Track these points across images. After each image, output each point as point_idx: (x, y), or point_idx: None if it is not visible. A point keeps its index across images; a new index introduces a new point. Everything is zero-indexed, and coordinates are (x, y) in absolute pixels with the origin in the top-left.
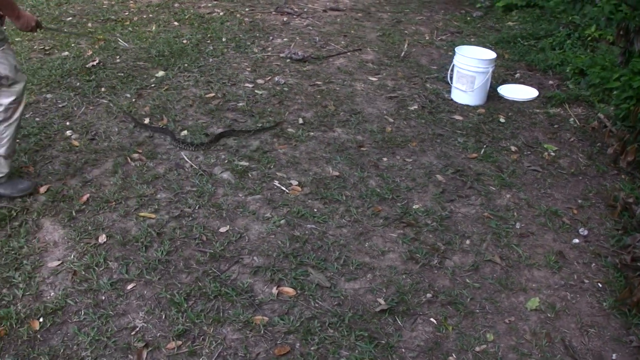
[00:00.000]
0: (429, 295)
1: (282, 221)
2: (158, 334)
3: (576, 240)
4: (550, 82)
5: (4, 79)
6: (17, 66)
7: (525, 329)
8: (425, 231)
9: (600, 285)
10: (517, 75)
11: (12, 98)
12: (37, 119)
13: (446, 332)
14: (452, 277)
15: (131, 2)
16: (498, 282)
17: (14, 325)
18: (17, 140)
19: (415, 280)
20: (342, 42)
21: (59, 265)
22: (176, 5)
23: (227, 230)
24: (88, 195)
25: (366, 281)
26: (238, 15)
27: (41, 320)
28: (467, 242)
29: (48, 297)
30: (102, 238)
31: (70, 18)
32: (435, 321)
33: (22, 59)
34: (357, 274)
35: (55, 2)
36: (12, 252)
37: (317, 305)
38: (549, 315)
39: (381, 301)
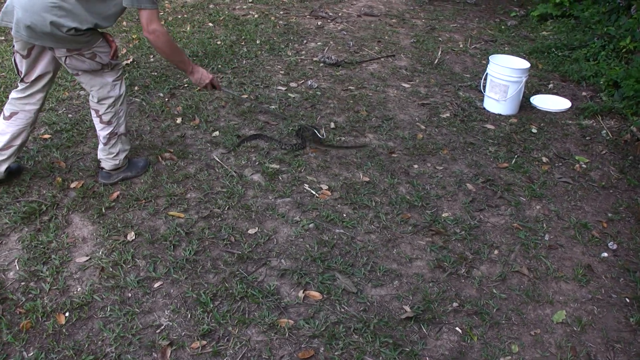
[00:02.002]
0: (455, 304)
1: (311, 225)
2: (183, 333)
3: (605, 254)
4: (584, 93)
5: (106, 66)
6: None
7: (550, 342)
8: (453, 240)
9: (627, 300)
10: (551, 85)
11: (116, 75)
12: (69, 115)
13: (471, 342)
14: (479, 286)
15: (166, 2)
16: (525, 293)
17: (40, 319)
18: (50, 136)
19: (442, 289)
20: (376, 47)
21: (86, 260)
22: (211, 6)
23: (255, 232)
24: (118, 192)
25: (393, 288)
26: (272, 18)
27: (67, 314)
28: (495, 252)
29: (75, 292)
30: (131, 235)
31: None
32: (460, 330)
33: None
34: (384, 281)
35: None
36: (41, 246)
37: (342, 310)
38: (575, 328)
39: (407, 308)
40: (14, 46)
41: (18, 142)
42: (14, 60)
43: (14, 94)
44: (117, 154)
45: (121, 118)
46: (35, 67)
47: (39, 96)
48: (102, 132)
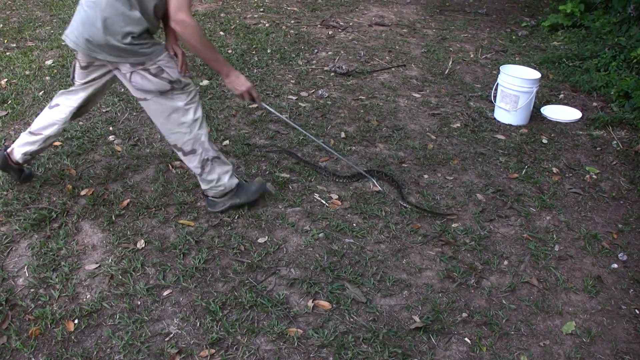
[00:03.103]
0: (464, 314)
1: (321, 234)
2: (192, 342)
3: (615, 265)
4: (594, 104)
5: (175, 82)
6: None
7: (560, 353)
8: (463, 250)
9: (637, 312)
10: (561, 96)
11: (188, 99)
12: (80, 123)
13: (480, 353)
14: (489, 297)
15: None
16: (534, 304)
17: (49, 326)
18: (60, 143)
19: (451, 299)
20: (387, 57)
21: (96, 268)
22: (222, 15)
23: (265, 241)
24: (128, 200)
25: (402, 298)
26: (283, 27)
27: (76, 321)
28: (505, 262)
29: (84, 300)
30: (141, 243)
31: None
32: (469, 341)
33: (67, 63)
34: (394, 291)
35: None
36: (51, 253)
37: (352, 320)
38: (584, 340)
39: (416, 319)
40: (76, 53)
41: (47, 132)
42: (73, 66)
43: (62, 90)
44: (218, 179)
45: (205, 142)
46: (88, 76)
47: (81, 94)
48: (191, 165)
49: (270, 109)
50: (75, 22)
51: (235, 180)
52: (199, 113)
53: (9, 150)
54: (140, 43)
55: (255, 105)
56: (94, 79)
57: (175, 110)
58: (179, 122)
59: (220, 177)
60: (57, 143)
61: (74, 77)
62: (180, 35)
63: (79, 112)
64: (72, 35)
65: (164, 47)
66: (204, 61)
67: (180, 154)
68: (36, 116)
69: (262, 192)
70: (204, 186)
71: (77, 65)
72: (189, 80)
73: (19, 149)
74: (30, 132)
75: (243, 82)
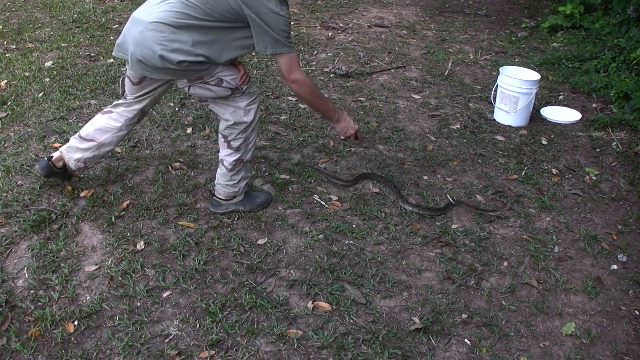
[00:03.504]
0: (464, 315)
1: (321, 236)
2: (192, 343)
3: (614, 266)
4: (594, 105)
5: (236, 89)
6: None
7: (559, 354)
8: (463, 251)
9: (637, 313)
10: (561, 97)
11: (249, 100)
12: (80, 125)
13: (480, 354)
14: (488, 298)
15: None
16: (534, 305)
17: (49, 327)
18: (60, 145)
19: (451, 300)
20: (386, 58)
21: (96, 269)
22: None
23: (265, 243)
24: (128, 201)
25: (402, 299)
26: None
27: (76, 323)
28: (505, 263)
29: (84, 301)
30: (140, 245)
31: (117, 26)
32: (469, 342)
33: (67, 64)
34: (393, 292)
35: (102, 10)
36: (50, 255)
37: (351, 321)
38: (584, 341)
39: (416, 320)
40: (125, 69)
41: (101, 138)
42: (122, 81)
43: (117, 102)
44: (239, 181)
45: (249, 144)
46: (141, 91)
47: (136, 107)
48: (229, 158)
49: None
50: (128, 40)
51: (245, 189)
52: (257, 117)
53: (54, 157)
54: (196, 65)
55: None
56: (148, 92)
57: (237, 109)
58: (239, 121)
59: (240, 181)
60: (57, 144)
61: (124, 92)
62: (296, 93)
63: (137, 123)
64: (121, 51)
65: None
66: (316, 112)
67: (225, 144)
68: (35, 117)
69: (267, 205)
70: (221, 180)
71: (128, 81)
72: (251, 83)
73: (69, 155)
74: (80, 137)
75: (352, 126)
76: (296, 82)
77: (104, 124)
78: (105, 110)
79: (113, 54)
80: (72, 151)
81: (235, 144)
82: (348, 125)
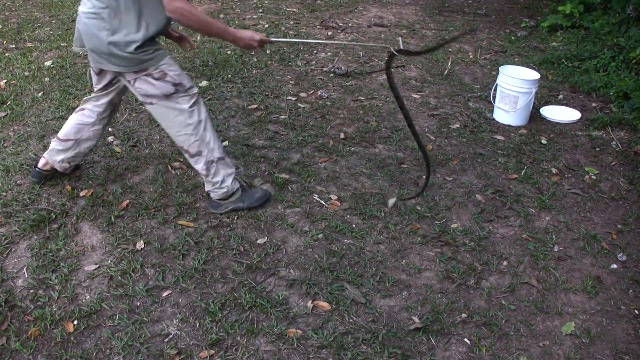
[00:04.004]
0: (464, 315)
1: (320, 235)
2: (191, 342)
3: (614, 266)
4: (594, 104)
5: (179, 85)
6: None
7: (559, 354)
8: (462, 251)
9: (637, 312)
10: (560, 96)
11: (192, 100)
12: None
13: (479, 354)
14: (488, 297)
15: None
16: (534, 304)
17: (48, 327)
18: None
19: (451, 300)
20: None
21: (95, 269)
22: (222, 16)
23: (264, 242)
24: (128, 201)
25: (401, 298)
26: (283, 28)
27: (75, 322)
28: (505, 263)
29: (83, 300)
30: (140, 244)
31: None
32: (469, 342)
33: (67, 64)
34: (393, 291)
35: None
36: (50, 254)
37: (351, 320)
38: (583, 340)
39: (416, 319)
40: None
41: (77, 136)
42: (89, 72)
43: (86, 97)
44: (223, 180)
45: (210, 143)
46: (103, 82)
47: (104, 100)
48: (198, 166)
49: (282, 40)
50: (80, 33)
51: (237, 184)
52: (203, 115)
53: (40, 164)
54: (143, 51)
55: (254, 106)
56: (111, 83)
57: (181, 113)
58: (185, 124)
59: (225, 179)
60: None
61: (92, 84)
62: (180, 23)
63: (110, 116)
64: (78, 44)
65: (164, 52)
66: (212, 37)
67: (187, 156)
68: (35, 117)
69: (265, 200)
70: (208, 187)
71: (92, 72)
72: (192, 83)
73: (53, 159)
74: (58, 139)
75: (250, 37)
76: (177, 11)
77: (78, 122)
78: (77, 108)
79: (73, 48)
80: (54, 154)
81: (193, 149)
82: (249, 39)
